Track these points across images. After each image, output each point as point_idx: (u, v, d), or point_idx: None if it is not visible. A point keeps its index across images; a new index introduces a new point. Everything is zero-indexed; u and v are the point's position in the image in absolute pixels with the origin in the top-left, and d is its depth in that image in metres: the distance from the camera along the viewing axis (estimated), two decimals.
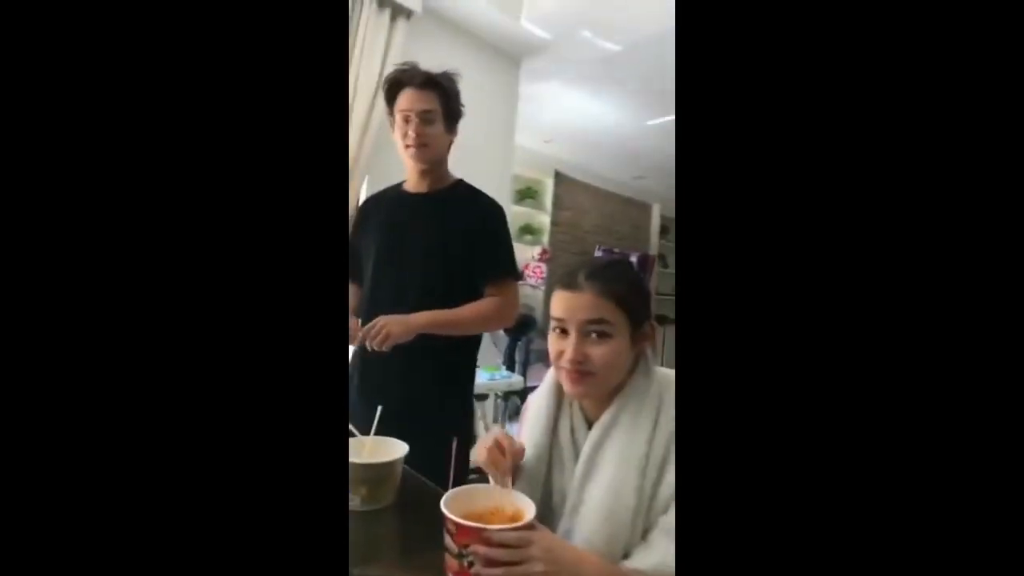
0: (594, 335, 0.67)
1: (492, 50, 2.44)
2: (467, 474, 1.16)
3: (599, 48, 2.44)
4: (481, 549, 0.55)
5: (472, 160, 2.24)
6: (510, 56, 2.52)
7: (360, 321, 1.21)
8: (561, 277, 0.72)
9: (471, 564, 0.56)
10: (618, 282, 0.68)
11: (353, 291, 1.29)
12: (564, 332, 0.70)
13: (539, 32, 2.33)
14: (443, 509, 0.58)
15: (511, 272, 1.21)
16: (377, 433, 0.83)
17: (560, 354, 0.70)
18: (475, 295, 1.17)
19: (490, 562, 0.55)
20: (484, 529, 0.56)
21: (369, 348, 1.05)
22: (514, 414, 3.36)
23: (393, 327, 1.05)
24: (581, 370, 0.68)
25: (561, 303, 0.70)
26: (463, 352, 1.20)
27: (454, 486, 0.66)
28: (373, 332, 1.05)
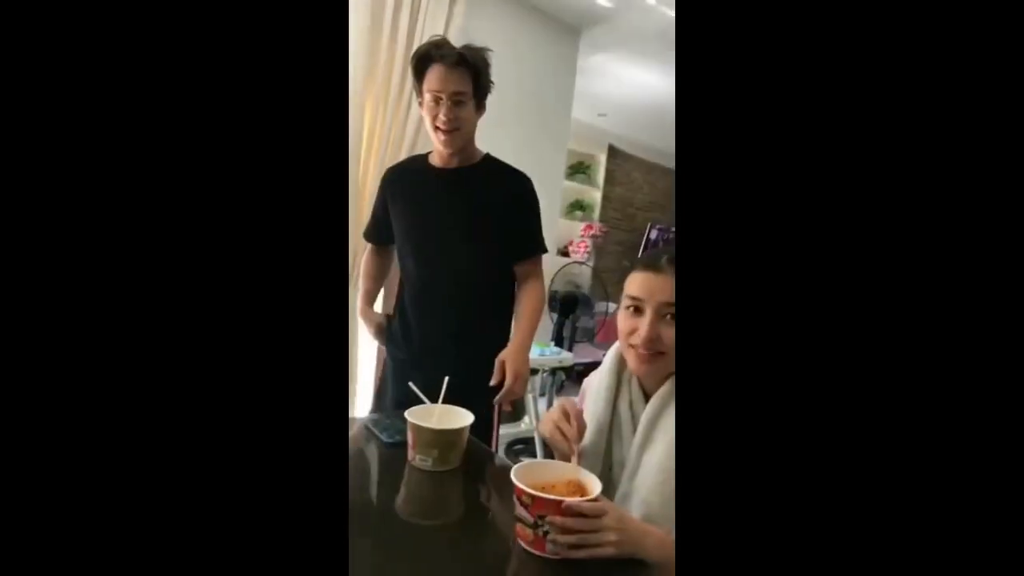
0: (669, 317, 0.69)
1: (553, 21, 2.39)
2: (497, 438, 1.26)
3: (662, 16, 2.34)
4: (558, 519, 0.58)
5: (527, 134, 2.23)
6: (571, 27, 2.47)
7: (404, 290, 1.26)
8: (644, 258, 0.73)
9: (546, 533, 0.59)
10: None
11: (367, 251, 1.36)
12: (639, 311, 0.72)
13: (601, 0, 2.26)
14: (516, 482, 0.60)
15: (539, 248, 1.23)
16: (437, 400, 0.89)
17: (632, 332, 0.72)
18: (505, 270, 1.20)
19: (566, 531, 0.58)
20: (561, 500, 0.58)
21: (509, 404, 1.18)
22: (560, 388, 3.41)
23: (521, 370, 1.14)
24: (653, 350, 0.70)
25: (640, 283, 0.72)
26: (502, 329, 1.25)
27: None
28: (508, 395, 1.14)
